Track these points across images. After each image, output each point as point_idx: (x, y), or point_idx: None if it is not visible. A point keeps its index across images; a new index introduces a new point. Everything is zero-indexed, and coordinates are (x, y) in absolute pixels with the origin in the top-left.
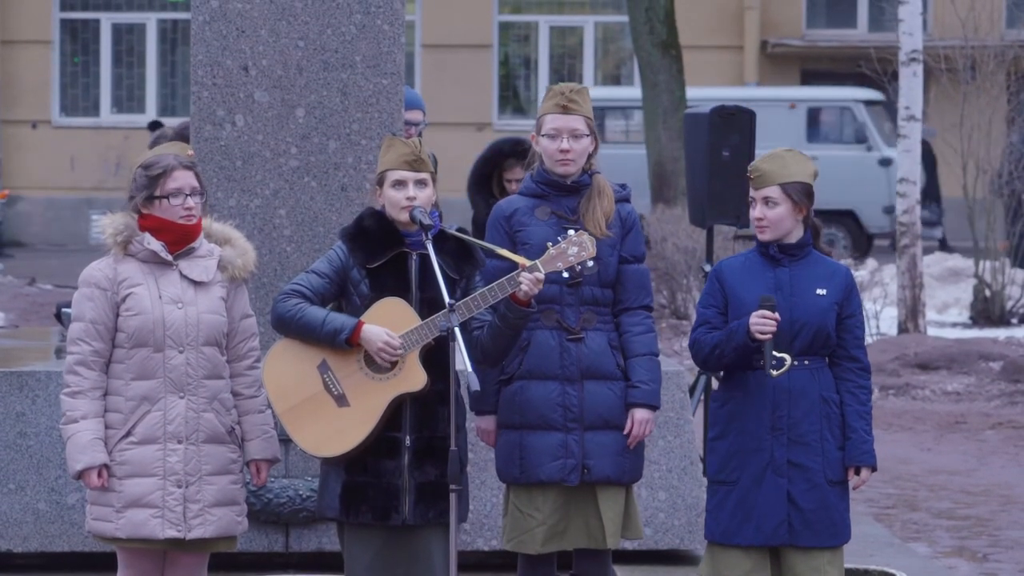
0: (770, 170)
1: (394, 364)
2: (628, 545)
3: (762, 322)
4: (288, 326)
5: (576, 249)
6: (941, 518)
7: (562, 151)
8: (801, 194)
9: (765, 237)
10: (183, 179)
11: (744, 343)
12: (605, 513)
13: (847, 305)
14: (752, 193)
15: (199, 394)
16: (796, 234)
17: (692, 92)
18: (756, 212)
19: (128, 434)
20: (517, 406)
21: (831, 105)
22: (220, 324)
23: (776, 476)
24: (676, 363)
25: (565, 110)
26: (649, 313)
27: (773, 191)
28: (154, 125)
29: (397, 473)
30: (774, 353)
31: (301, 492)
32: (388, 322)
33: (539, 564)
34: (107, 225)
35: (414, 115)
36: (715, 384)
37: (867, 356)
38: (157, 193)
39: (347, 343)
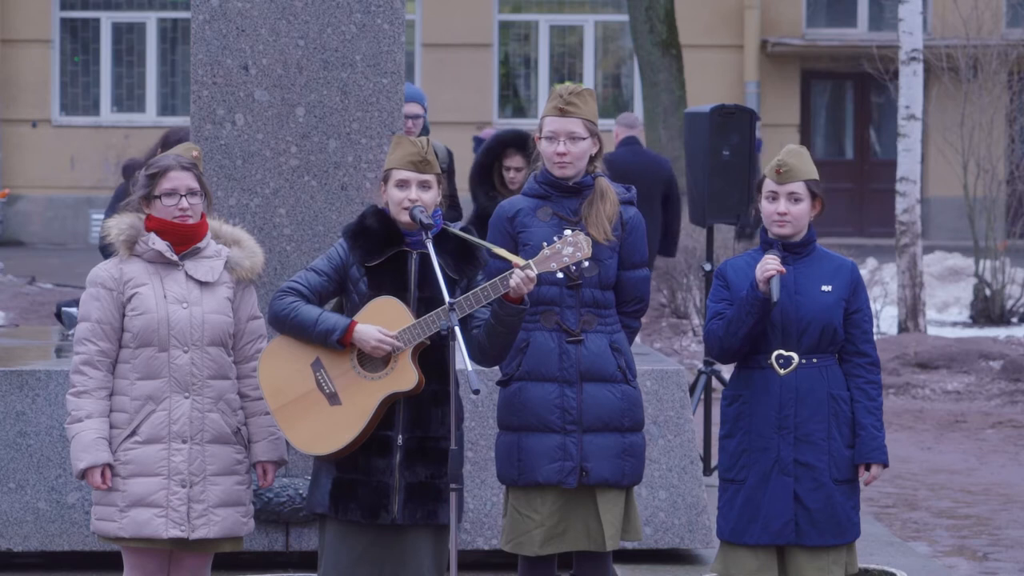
0: (797, 166)
1: (387, 363)
2: (628, 544)
3: (764, 263)
4: (283, 324)
5: (571, 249)
6: (941, 517)
7: (558, 154)
8: (819, 191)
9: (785, 231)
10: (178, 180)
11: (752, 295)
12: (604, 516)
13: (854, 300)
14: (776, 188)
15: (204, 394)
16: (802, 232)
17: None
18: (780, 207)
19: (133, 433)
20: (515, 407)
21: None
22: (225, 324)
23: (782, 475)
24: (676, 362)
25: (563, 113)
26: (639, 316)
27: (799, 187)
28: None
29: (388, 472)
30: (781, 352)
31: (301, 491)
32: (381, 321)
33: (539, 566)
34: (112, 226)
35: (413, 108)
36: (716, 383)
37: (876, 350)
38: (153, 193)
39: (339, 343)
